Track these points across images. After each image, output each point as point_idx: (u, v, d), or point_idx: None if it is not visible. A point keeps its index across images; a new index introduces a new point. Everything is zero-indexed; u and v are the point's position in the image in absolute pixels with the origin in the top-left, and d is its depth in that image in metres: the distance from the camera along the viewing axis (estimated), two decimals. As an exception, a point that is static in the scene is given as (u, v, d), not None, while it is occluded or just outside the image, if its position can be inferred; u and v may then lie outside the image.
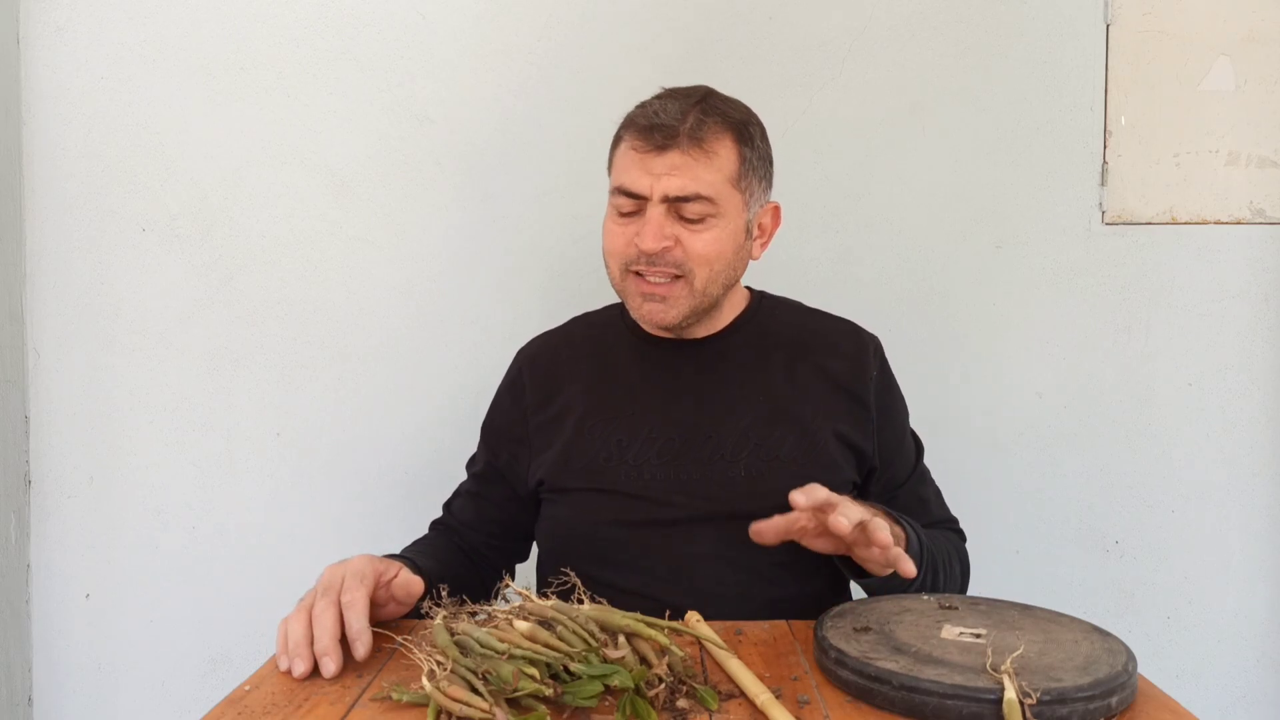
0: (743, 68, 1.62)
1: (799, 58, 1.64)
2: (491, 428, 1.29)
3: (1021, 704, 0.70)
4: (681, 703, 0.77)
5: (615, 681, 0.75)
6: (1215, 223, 1.66)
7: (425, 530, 1.29)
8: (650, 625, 0.82)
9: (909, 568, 0.94)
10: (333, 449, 1.65)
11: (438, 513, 1.30)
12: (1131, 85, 1.64)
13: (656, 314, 1.14)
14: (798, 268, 1.62)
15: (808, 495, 0.92)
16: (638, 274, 1.13)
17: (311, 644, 0.85)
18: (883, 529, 0.92)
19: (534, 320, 1.57)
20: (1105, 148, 1.65)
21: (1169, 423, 1.67)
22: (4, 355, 1.58)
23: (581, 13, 1.63)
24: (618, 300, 1.32)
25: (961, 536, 1.29)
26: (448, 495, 1.31)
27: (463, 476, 1.31)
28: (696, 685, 0.79)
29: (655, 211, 1.10)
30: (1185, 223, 1.66)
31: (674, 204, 1.10)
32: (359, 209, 1.64)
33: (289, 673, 0.84)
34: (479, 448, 1.30)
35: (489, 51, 1.63)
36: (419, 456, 1.65)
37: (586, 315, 1.33)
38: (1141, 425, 1.67)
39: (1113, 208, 1.65)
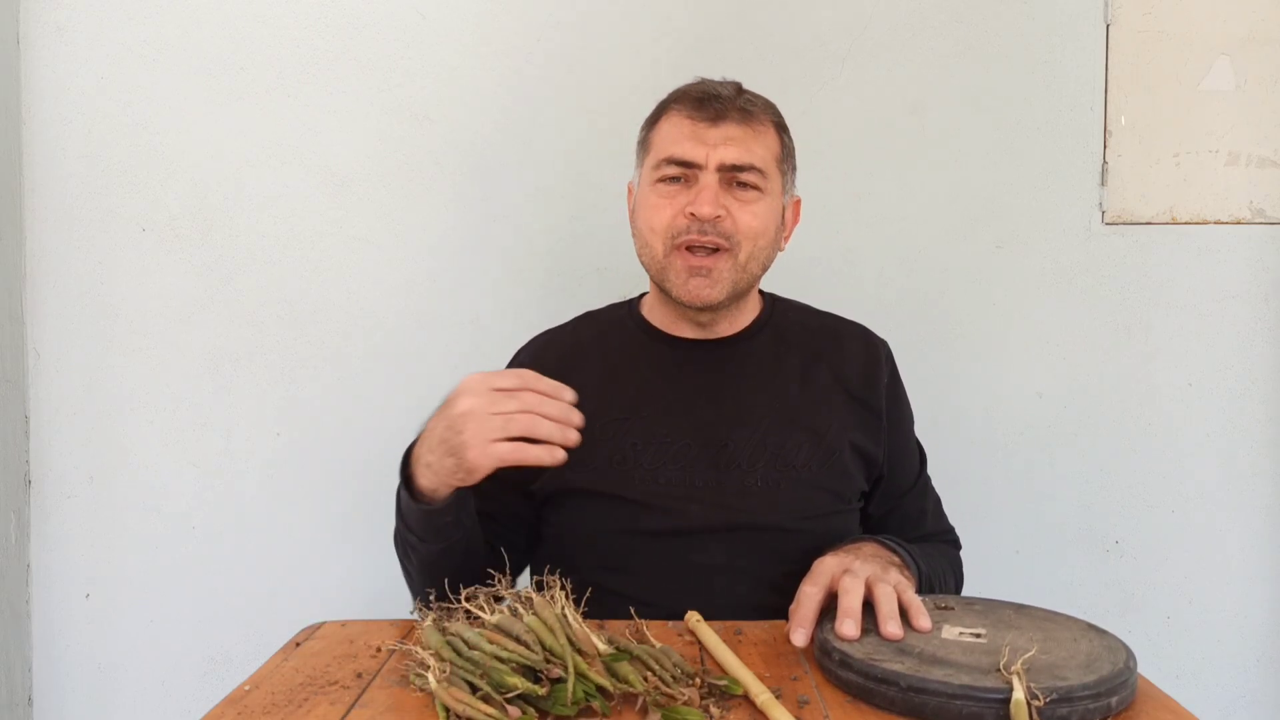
0: (743, 68, 1.60)
1: (799, 58, 1.64)
2: None
3: (1029, 704, 0.70)
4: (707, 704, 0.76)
5: (596, 703, 0.73)
6: (1215, 223, 1.66)
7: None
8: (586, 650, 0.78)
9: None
10: (333, 449, 1.65)
11: (438, 512, 1.30)
12: (1131, 85, 1.64)
13: (703, 290, 1.12)
14: (798, 268, 1.61)
15: (801, 627, 0.88)
16: (683, 249, 1.12)
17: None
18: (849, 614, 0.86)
19: (533, 320, 1.56)
20: (1105, 148, 1.65)
21: (1169, 423, 1.67)
22: (4, 355, 1.58)
23: (581, 13, 1.63)
24: (619, 300, 1.31)
25: (956, 546, 1.28)
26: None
27: None
28: (713, 680, 0.78)
29: (710, 179, 1.11)
30: (1185, 223, 1.66)
31: (728, 173, 1.12)
32: (359, 209, 1.64)
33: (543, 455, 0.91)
34: None
35: (489, 51, 1.63)
36: (419, 456, 1.65)
37: (591, 313, 1.31)
38: (1141, 425, 1.67)
39: (1113, 208, 1.65)
